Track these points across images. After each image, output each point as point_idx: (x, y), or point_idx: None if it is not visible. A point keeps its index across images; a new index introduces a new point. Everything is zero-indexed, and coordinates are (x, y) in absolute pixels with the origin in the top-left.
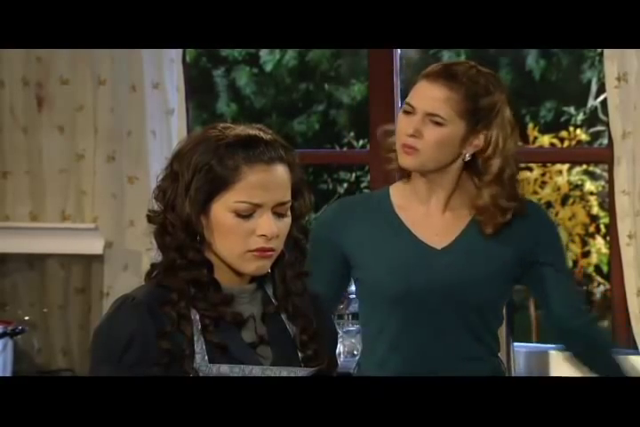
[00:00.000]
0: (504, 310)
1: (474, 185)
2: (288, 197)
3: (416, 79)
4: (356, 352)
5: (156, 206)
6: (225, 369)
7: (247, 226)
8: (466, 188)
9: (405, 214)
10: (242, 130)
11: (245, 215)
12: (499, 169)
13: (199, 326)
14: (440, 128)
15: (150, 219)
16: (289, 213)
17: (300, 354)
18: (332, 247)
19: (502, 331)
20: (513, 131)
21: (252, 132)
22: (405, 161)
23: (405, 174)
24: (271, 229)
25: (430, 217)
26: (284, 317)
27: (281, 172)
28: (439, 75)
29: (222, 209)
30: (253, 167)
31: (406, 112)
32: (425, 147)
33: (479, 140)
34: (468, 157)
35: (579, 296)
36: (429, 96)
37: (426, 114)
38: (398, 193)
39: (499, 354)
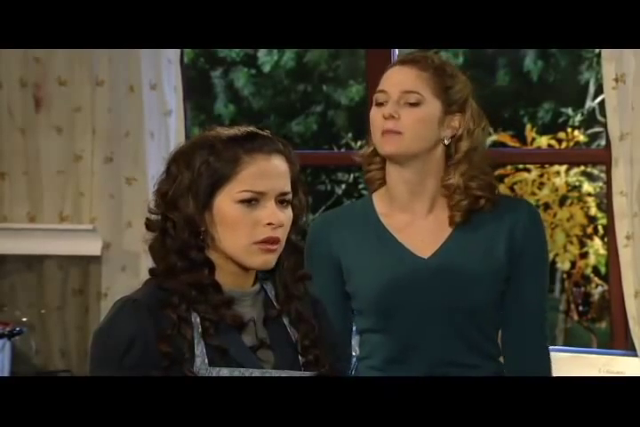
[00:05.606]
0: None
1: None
2: (289, 187)
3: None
4: (354, 353)
5: (153, 217)
6: (225, 372)
7: (252, 216)
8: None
9: (390, 222)
10: (238, 128)
11: (249, 205)
12: (468, 148)
13: (199, 329)
14: (416, 108)
15: (149, 225)
16: (290, 206)
17: (301, 359)
18: (333, 264)
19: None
20: (482, 122)
21: (249, 129)
22: (388, 147)
23: (384, 182)
24: (277, 216)
25: (414, 223)
26: (285, 321)
27: (280, 162)
28: (406, 59)
29: (226, 201)
30: (254, 157)
31: (379, 104)
32: (406, 128)
33: (455, 123)
34: (447, 142)
35: (537, 326)
36: (402, 76)
37: (401, 93)
38: (381, 200)
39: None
